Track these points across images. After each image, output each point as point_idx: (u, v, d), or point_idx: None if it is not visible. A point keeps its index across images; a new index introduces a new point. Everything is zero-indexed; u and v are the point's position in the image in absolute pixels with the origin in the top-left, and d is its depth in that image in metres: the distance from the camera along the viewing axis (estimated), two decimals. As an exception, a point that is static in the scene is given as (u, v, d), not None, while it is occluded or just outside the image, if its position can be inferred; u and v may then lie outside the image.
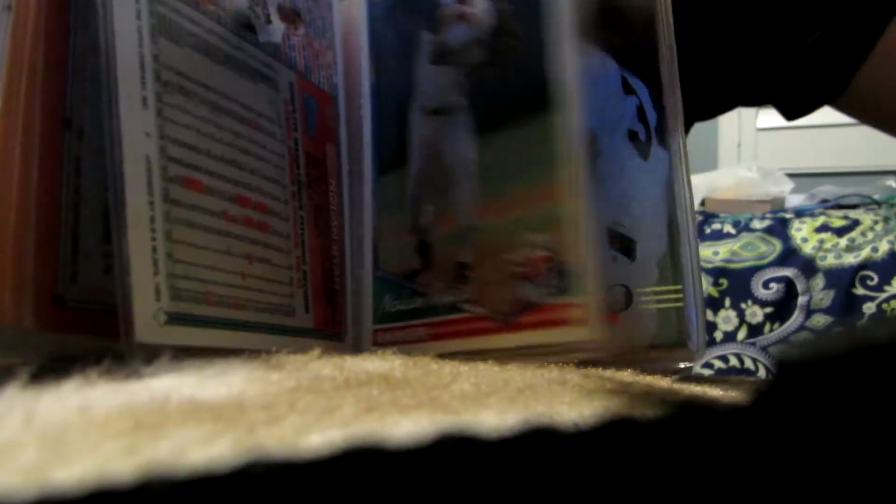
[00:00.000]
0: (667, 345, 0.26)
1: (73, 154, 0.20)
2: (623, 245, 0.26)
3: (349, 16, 0.31)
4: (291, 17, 0.28)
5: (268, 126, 0.26)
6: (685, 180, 0.27)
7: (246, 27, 0.25)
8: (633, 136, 0.27)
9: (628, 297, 0.26)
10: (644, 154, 0.27)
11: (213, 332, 0.21)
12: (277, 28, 0.27)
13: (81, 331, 0.20)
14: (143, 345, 0.19)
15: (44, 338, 0.19)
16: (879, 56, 0.43)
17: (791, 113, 0.49)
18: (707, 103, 0.50)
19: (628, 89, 0.27)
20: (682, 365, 0.27)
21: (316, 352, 0.21)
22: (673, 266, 0.26)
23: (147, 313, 0.19)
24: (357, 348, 0.28)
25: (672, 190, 0.26)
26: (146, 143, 0.20)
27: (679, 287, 0.26)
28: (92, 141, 0.20)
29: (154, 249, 0.19)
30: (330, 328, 0.28)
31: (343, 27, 0.31)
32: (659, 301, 0.26)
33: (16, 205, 0.18)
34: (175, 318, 0.20)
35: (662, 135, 0.27)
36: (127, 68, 0.19)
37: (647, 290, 0.26)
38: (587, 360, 0.26)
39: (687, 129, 0.54)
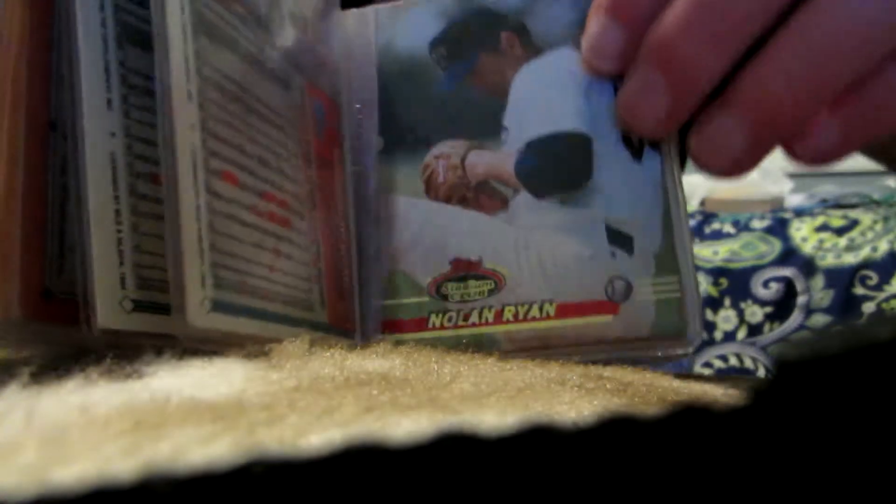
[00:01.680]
0: (666, 333, 0.28)
1: (59, 154, 0.21)
2: (622, 240, 0.28)
3: (355, 27, 0.32)
4: (300, 23, 0.29)
5: (286, 126, 0.26)
6: (677, 180, 0.29)
7: (266, 31, 0.26)
8: (626, 139, 0.29)
9: (628, 289, 0.28)
10: (637, 156, 0.29)
11: (249, 321, 0.22)
12: (289, 34, 0.28)
13: (67, 321, 0.20)
14: (193, 329, 0.19)
15: (32, 329, 0.19)
16: None
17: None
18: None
19: None
20: (679, 351, 0.28)
21: (315, 350, 0.21)
22: (669, 259, 0.28)
23: (196, 301, 0.20)
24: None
25: (665, 190, 0.28)
26: (191, 136, 0.21)
27: (676, 278, 0.28)
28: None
29: (200, 240, 0.20)
30: (342, 325, 0.29)
31: (353, 40, 0.32)
32: (657, 292, 0.28)
33: (2, 201, 0.19)
34: (219, 307, 0.21)
35: (654, 139, 0.29)
36: (176, 69, 0.21)
37: (646, 281, 0.28)
38: (597, 350, 0.28)
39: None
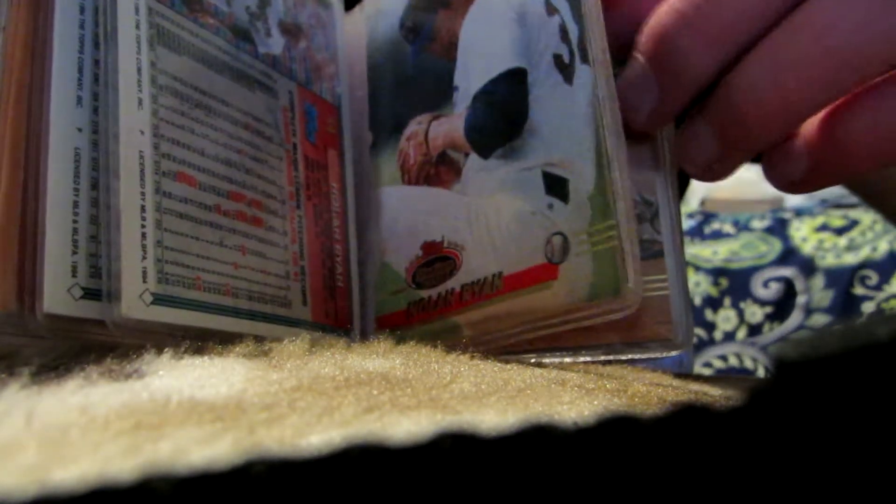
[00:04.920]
0: (605, 292, 0.23)
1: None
2: (557, 186, 0.24)
3: (354, 31, 0.32)
4: (293, 31, 0.29)
5: (265, 130, 0.27)
6: (610, 94, 0.23)
7: (245, 40, 0.27)
8: (558, 60, 0.25)
9: (565, 245, 0.24)
10: (568, 78, 0.24)
11: (202, 314, 0.23)
12: (278, 41, 0.28)
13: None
14: (129, 320, 0.20)
15: (28, 320, 0.20)
16: None
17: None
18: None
19: (551, 9, 0.25)
20: (617, 314, 0.23)
21: (316, 349, 0.21)
22: (603, 199, 0.23)
23: (134, 293, 0.21)
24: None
25: (597, 109, 0.23)
26: (141, 140, 0.22)
27: (612, 223, 0.23)
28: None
29: (143, 236, 0.21)
30: (332, 322, 0.29)
31: (347, 42, 0.32)
32: (594, 242, 0.23)
33: (3, 199, 0.20)
34: (161, 300, 0.22)
35: (584, 48, 0.24)
36: (127, 73, 0.22)
37: (582, 231, 0.23)
38: (546, 326, 0.25)
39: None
